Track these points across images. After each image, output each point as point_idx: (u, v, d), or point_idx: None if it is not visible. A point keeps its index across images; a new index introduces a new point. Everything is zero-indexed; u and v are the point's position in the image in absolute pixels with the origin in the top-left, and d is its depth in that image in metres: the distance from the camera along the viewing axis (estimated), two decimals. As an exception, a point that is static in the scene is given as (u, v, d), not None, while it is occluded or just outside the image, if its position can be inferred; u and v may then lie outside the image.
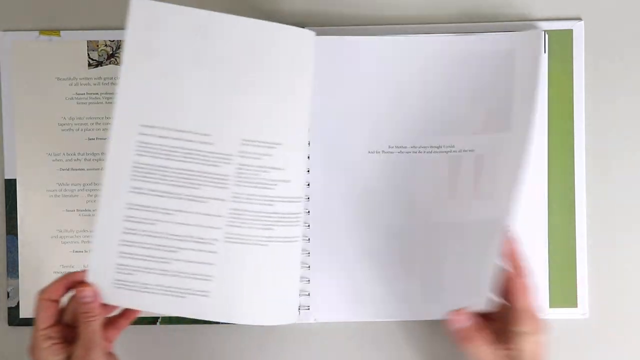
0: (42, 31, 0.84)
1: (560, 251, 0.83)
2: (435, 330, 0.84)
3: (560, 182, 0.83)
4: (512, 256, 0.76)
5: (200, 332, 0.85)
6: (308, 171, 0.83)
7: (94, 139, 0.85)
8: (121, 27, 0.83)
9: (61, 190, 0.84)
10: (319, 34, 0.82)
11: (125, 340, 0.85)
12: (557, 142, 0.83)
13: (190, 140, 0.73)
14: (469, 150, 0.82)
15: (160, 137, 0.72)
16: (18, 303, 0.84)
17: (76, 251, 0.84)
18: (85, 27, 0.85)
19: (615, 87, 0.84)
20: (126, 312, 0.77)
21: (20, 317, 0.84)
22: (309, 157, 0.83)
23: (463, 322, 0.76)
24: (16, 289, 0.84)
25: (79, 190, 0.85)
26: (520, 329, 0.74)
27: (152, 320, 0.85)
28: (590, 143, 0.83)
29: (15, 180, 0.84)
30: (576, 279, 0.83)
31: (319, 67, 0.81)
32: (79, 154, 0.84)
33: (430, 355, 0.85)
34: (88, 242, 0.84)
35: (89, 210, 0.84)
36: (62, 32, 0.84)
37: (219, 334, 0.85)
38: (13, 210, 0.84)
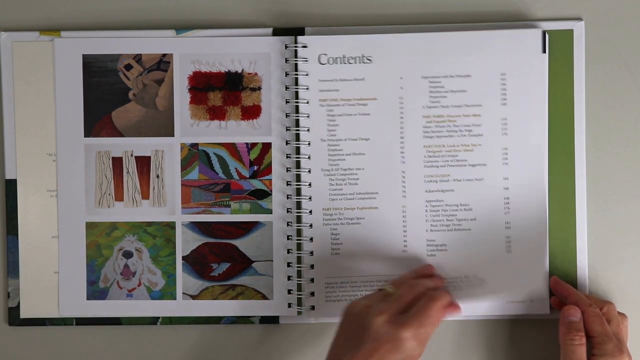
0: (42, 31, 0.84)
1: (560, 252, 0.83)
2: (445, 330, 0.84)
3: (560, 182, 0.83)
4: (567, 294, 0.80)
5: (200, 332, 0.85)
6: (309, 171, 0.83)
7: (94, 139, 0.85)
8: (120, 27, 0.84)
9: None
10: (318, 34, 0.83)
11: (125, 340, 0.85)
12: (557, 142, 0.83)
13: None
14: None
15: None
16: (18, 303, 0.84)
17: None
18: (85, 27, 0.85)
19: (615, 87, 0.84)
20: None
21: (21, 317, 0.84)
22: (309, 157, 0.83)
23: (577, 317, 0.79)
24: (16, 289, 0.84)
25: (79, 190, 0.85)
26: (599, 352, 0.76)
27: (152, 321, 0.84)
28: (590, 143, 0.83)
29: (15, 180, 0.84)
30: (577, 281, 0.83)
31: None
32: (79, 154, 0.85)
33: (436, 354, 0.85)
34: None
35: (90, 210, 0.85)
36: (62, 32, 0.84)
37: (219, 334, 0.85)
38: (13, 210, 0.84)
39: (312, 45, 0.83)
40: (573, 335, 0.77)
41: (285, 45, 0.83)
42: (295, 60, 0.83)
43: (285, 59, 0.83)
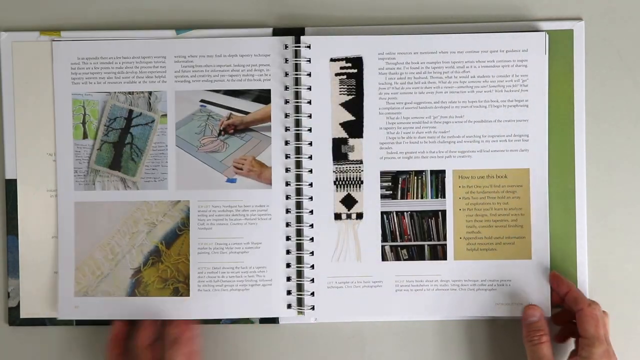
0: (42, 31, 0.84)
1: (561, 253, 0.83)
2: (442, 330, 0.84)
3: (560, 182, 0.83)
4: (567, 290, 0.80)
5: (200, 332, 0.85)
6: (310, 171, 0.83)
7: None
8: (120, 28, 0.84)
9: (61, 190, 0.85)
10: (318, 34, 0.83)
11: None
12: (557, 142, 0.83)
13: None
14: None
15: None
16: (18, 303, 0.84)
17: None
18: (85, 27, 0.85)
19: (615, 87, 0.84)
20: None
21: (21, 317, 0.84)
22: (311, 157, 0.83)
23: (536, 316, 0.80)
24: (16, 289, 0.84)
25: (79, 190, 0.85)
26: (585, 354, 0.76)
27: (152, 320, 0.85)
28: (590, 143, 0.83)
29: (15, 180, 0.84)
30: (577, 281, 0.83)
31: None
32: (79, 154, 0.85)
33: (434, 355, 0.85)
34: (88, 242, 0.84)
35: (90, 210, 0.85)
36: (62, 32, 0.84)
37: (219, 334, 0.85)
38: (13, 210, 0.84)
39: (315, 45, 0.83)
40: (532, 335, 0.78)
41: (285, 45, 0.83)
42: (296, 60, 0.83)
43: (285, 59, 0.83)
